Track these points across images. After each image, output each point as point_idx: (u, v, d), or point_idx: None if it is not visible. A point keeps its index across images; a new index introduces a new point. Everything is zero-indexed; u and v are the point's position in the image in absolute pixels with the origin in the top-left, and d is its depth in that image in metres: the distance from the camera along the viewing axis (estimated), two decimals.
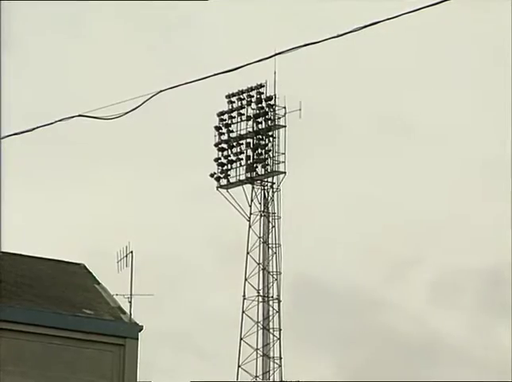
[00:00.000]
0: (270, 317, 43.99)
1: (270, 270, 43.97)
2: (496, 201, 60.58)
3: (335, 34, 7.80)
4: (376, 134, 63.62)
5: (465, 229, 61.22)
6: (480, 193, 62.39)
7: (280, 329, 43.70)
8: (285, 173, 44.45)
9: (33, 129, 10.17)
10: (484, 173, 63.27)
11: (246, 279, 43.75)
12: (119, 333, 23.58)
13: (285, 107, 44.48)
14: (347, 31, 7.66)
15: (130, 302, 23.40)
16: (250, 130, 44.82)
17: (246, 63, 8.70)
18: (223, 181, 44.79)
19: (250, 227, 44.80)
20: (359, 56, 57.38)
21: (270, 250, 44.26)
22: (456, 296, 67.33)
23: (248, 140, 44.74)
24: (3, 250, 27.90)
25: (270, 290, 44.36)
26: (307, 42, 7.99)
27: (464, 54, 66.01)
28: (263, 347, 43.19)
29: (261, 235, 44.27)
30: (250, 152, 44.90)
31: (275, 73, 42.84)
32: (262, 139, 44.94)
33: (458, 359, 62.84)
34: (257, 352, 43.17)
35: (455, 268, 61.57)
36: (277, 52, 8.38)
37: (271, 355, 43.55)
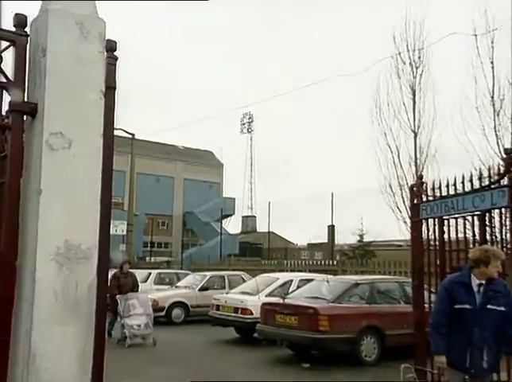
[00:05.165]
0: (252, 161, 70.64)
1: (252, 145, 66.00)
2: None
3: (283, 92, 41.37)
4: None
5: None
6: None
7: (254, 178, 70.80)
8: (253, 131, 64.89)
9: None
10: None
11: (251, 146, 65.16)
12: (217, 165, 51.18)
13: (252, 115, 64.62)
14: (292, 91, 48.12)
15: (222, 164, 50.75)
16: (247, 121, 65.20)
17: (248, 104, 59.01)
18: (242, 130, 64.87)
19: (251, 140, 65.61)
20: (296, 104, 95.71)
21: (251, 141, 65.36)
22: None
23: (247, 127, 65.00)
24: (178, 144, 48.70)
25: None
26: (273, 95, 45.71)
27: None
28: (252, 178, 75.93)
29: (250, 138, 65.12)
30: (248, 127, 65.12)
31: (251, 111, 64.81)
32: (249, 127, 65.41)
33: None
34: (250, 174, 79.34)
35: None
36: (254, 102, 44.62)
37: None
